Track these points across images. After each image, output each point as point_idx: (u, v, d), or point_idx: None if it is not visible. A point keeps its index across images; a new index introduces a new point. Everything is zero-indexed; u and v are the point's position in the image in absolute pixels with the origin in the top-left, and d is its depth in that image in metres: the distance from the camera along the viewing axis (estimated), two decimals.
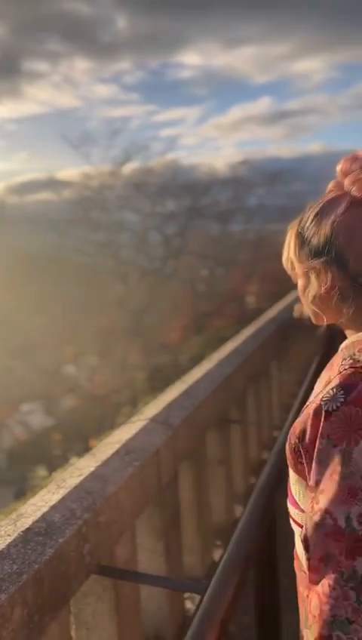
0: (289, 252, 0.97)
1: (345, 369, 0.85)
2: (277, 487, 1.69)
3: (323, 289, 0.88)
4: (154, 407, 2.17)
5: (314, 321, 0.99)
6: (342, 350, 0.94)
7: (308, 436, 0.84)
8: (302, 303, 0.99)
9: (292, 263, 0.97)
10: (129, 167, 25.73)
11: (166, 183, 25.73)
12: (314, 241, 0.89)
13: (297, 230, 0.94)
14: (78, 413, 17.07)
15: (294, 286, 1.09)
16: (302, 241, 0.92)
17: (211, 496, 2.46)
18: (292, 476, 0.96)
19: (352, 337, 0.92)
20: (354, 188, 0.86)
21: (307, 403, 0.91)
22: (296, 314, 4.40)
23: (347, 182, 0.88)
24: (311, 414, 0.83)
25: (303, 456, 0.85)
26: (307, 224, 0.91)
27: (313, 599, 0.79)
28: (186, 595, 2.16)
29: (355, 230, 0.85)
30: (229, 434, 2.75)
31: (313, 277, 0.90)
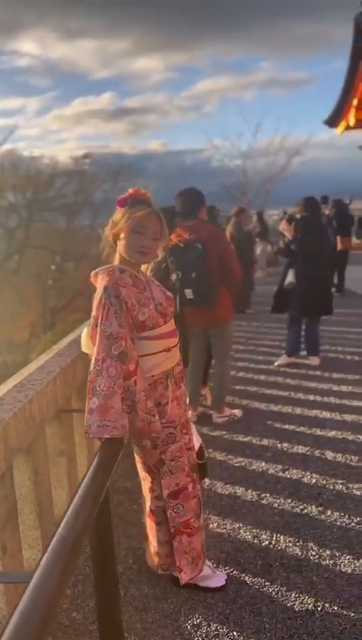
0: None
1: None
2: (111, 467, 1.72)
3: None
4: None
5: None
6: None
7: None
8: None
9: None
10: None
11: (4, 174, 24.29)
12: None
13: None
14: None
15: None
16: None
17: (53, 489, 2.42)
18: None
19: None
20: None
21: None
22: None
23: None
24: None
25: None
26: None
27: None
28: None
29: None
30: (71, 424, 2.72)
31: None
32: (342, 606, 2.04)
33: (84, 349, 2.13)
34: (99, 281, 1.91)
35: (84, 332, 2.11)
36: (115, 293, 1.86)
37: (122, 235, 1.93)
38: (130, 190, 1.97)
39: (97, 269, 1.99)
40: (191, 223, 3.64)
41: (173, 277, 3.65)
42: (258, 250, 14.01)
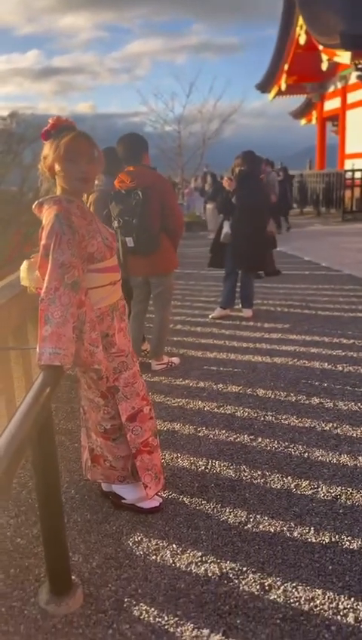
0: None
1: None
2: (53, 389, 1.76)
3: None
4: None
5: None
6: None
7: None
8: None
9: None
10: None
11: None
12: None
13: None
14: None
15: None
16: None
17: None
18: None
19: None
20: None
21: None
22: None
23: None
24: None
25: None
26: None
27: None
28: None
29: None
30: (9, 363, 2.71)
31: None
32: (271, 516, 2.22)
33: (24, 282, 2.10)
34: (48, 210, 1.87)
35: (24, 265, 2.09)
36: (67, 222, 1.82)
37: (57, 167, 1.90)
38: (50, 120, 1.92)
39: (40, 199, 1.95)
40: (133, 169, 3.59)
41: (115, 224, 3.62)
42: (209, 210, 13.96)
